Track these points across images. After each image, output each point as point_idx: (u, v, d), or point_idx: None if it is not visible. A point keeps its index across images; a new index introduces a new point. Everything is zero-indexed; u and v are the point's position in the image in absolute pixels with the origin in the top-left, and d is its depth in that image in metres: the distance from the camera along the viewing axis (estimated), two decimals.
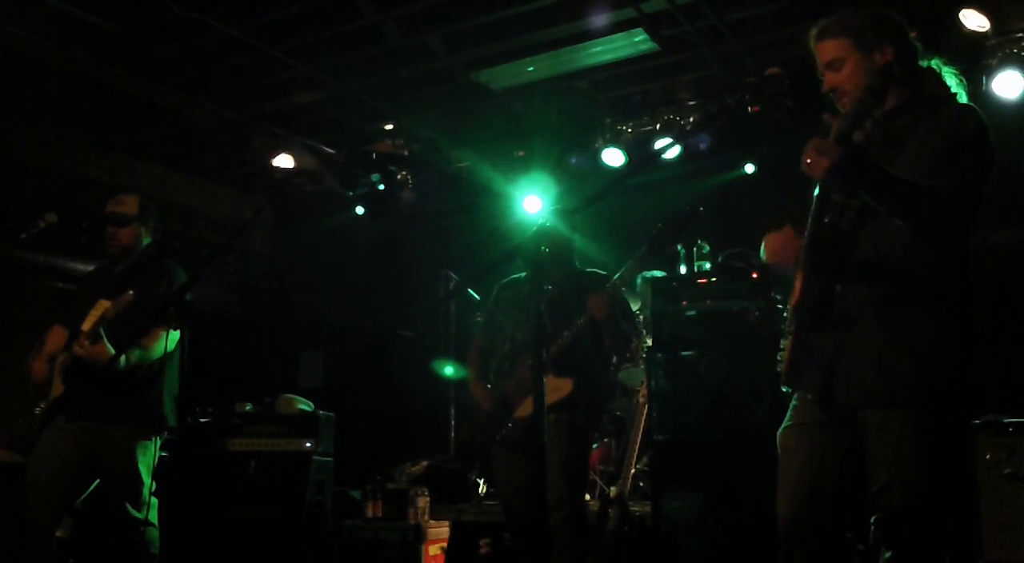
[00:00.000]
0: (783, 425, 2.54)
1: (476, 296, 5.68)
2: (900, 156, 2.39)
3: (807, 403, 2.50)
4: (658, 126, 6.63)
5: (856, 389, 2.36)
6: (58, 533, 4.27)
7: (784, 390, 2.56)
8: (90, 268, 4.73)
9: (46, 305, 6.92)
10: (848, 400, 2.38)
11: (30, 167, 6.84)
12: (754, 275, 4.58)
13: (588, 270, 4.29)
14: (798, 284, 2.39)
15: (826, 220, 2.40)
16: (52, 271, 6.88)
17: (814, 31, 2.56)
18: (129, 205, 4.30)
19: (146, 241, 4.35)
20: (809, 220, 2.38)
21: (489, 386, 4.25)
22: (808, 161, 2.21)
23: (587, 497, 4.80)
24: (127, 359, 3.87)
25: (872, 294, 2.37)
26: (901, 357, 2.32)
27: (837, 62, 2.50)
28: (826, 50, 2.52)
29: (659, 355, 4.63)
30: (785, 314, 2.53)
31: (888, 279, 2.37)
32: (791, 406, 2.56)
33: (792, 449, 2.49)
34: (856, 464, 2.39)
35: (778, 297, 4.16)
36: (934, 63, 2.56)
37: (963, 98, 2.53)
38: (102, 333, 3.91)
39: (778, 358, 2.51)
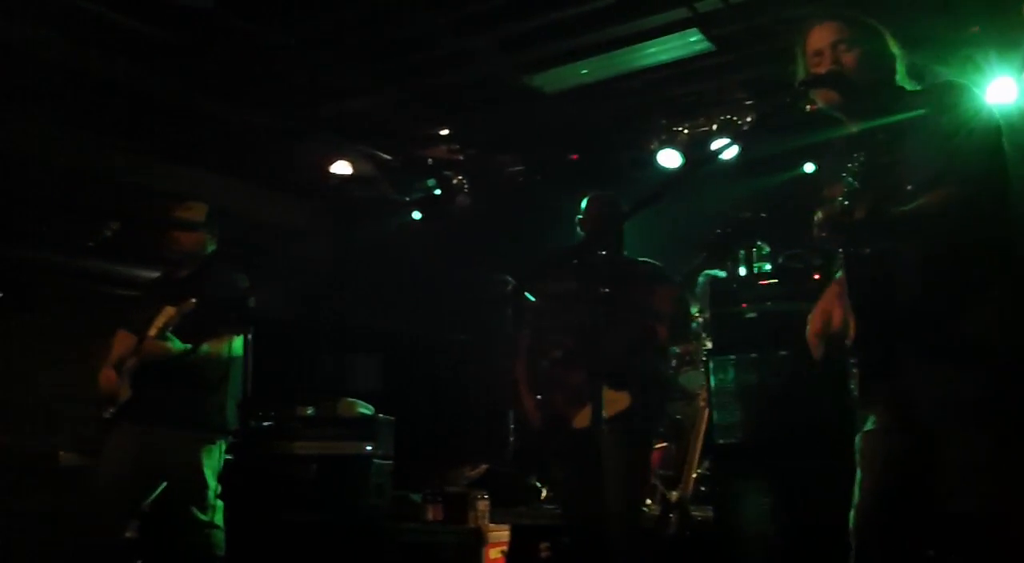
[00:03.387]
0: (863, 429, 2.50)
1: (532, 299, 5.68)
2: (902, 161, 2.34)
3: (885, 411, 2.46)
4: (714, 126, 6.56)
5: (934, 415, 2.32)
6: (127, 534, 4.36)
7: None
8: (152, 275, 4.83)
9: (110, 311, 7.05)
10: (928, 426, 2.34)
11: (92, 179, 6.99)
12: (815, 276, 4.52)
13: (640, 259, 4.16)
14: (852, 326, 2.37)
15: (867, 251, 2.37)
16: (115, 278, 7.03)
17: (822, 13, 2.57)
18: (197, 211, 4.42)
19: (210, 248, 4.44)
20: (843, 267, 2.36)
21: (539, 396, 4.12)
22: (824, 235, 2.27)
23: (648, 502, 4.75)
24: (195, 352, 3.94)
25: (927, 321, 2.33)
26: (974, 381, 2.27)
27: (844, 42, 2.49)
28: (835, 28, 2.51)
29: (719, 358, 4.58)
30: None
31: (941, 296, 2.32)
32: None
33: (870, 454, 2.45)
34: (932, 471, 2.34)
35: None
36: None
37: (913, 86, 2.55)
38: (169, 336, 4.00)
39: (851, 382, 2.48)
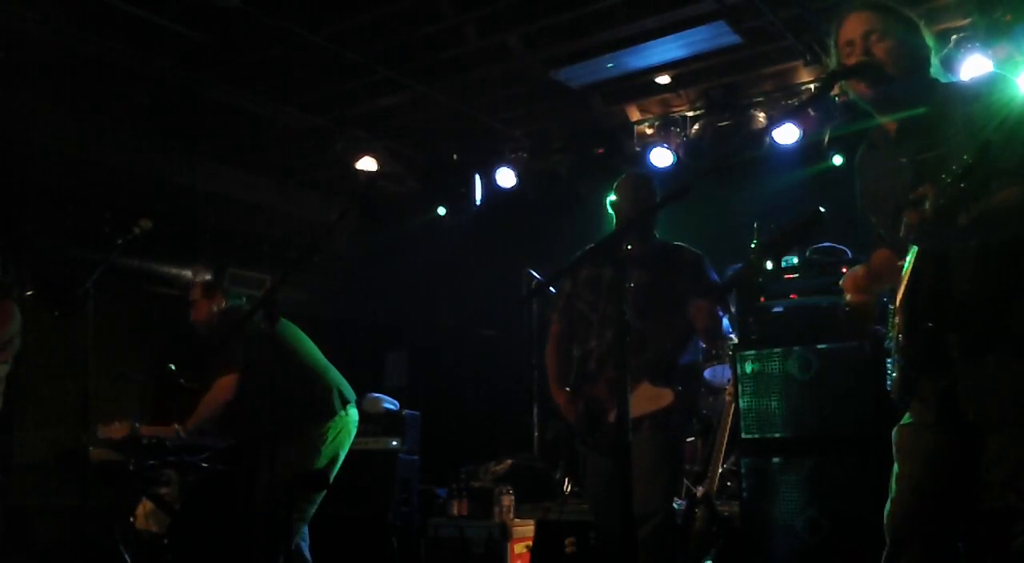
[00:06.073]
0: (900, 422, 2.46)
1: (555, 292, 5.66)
2: (956, 155, 2.28)
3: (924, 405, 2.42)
4: (742, 119, 6.52)
5: (979, 415, 2.27)
6: (155, 529, 4.40)
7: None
8: (183, 272, 4.90)
9: (140, 307, 7.15)
10: (973, 421, 2.29)
11: (124, 175, 7.06)
12: (844, 270, 4.47)
13: (676, 244, 3.93)
14: (899, 322, 2.32)
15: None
16: (146, 275, 7.10)
17: (855, 3, 2.48)
18: (195, 291, 4.67)
19: (225, 305, 4.64)
20: (908, 265, 2.31)
21: (569, 389, 3.88)
22: (912, 238, 2.20)
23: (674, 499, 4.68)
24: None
25: (983, 316, 2.27)
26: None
27: (876, 32, 2.41)
28: (868, 19, 2.43)
29: (745, 352, 4.54)
30: (888, 342, 2.43)
31: (1000, 292, 2.26)
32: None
33: (908, 448, 2.40)
34: (974, 467, 2.29)
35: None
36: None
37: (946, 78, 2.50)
38: None
39: (888, 380, 2.43)
